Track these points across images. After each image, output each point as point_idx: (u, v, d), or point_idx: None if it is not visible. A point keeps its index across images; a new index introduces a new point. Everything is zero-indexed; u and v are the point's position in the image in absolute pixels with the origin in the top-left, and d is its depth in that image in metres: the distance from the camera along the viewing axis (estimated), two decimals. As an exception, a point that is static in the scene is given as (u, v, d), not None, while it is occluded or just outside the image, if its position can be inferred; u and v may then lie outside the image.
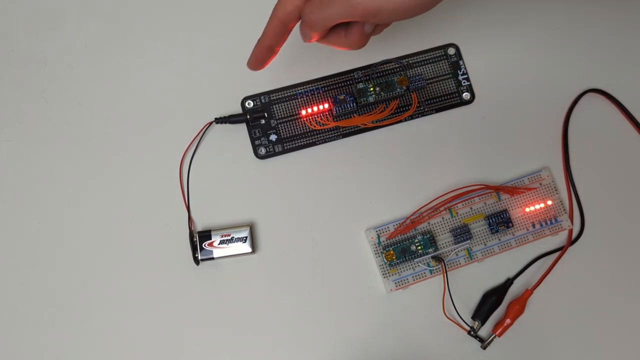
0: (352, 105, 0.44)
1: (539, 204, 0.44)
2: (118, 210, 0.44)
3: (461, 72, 0.47)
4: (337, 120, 0.45)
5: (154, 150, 0.44)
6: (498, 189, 0.44)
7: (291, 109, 0.45)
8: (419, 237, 0.43)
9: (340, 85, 0.46)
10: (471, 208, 0.44)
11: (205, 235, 0.43)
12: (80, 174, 0.44)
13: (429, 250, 0.43)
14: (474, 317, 0.43)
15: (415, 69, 0.46)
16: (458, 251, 0.44)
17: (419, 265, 0.43)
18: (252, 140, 0.45)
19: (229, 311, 0.43)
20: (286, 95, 0.45)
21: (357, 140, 0.45)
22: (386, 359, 0.43)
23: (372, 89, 0.45)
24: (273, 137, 0.45)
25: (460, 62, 0.47)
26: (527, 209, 0.44)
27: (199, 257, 0.42)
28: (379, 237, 0.43)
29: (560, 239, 0.45)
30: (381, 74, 0.46)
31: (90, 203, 0.44)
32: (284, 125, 0.45)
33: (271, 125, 0.45)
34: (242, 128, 0.45)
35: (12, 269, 0.43)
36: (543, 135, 0.46)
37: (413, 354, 0.43)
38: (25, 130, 0.44)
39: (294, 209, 0.44)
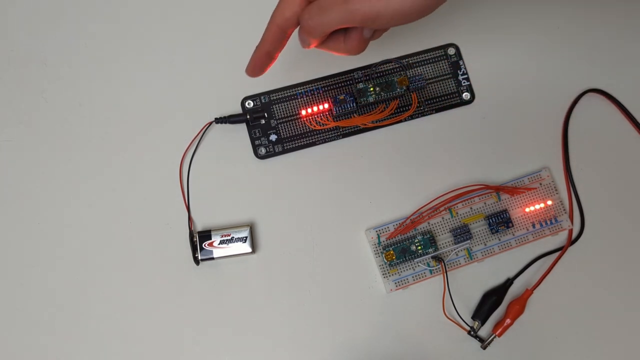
0: (352, 105, 0.44)
1: (539, 204, 0.44)
2: (118, 210, 0.44)
3: (461, 72, 0.47)
4: (337, 120, 0.45)
5: (154, 150, 0.44)
6: (498, 189, 0.44)
7: (291, 109, 0.45)
8: (419, 237, 0.43)
9: (340, 85, 0.46)
10: (471, 208, 0.44)
11: (205, 235, 0.43)
12: (80, 174, 0.44)
13: (429, 250, 0.43)
14: (474, 317, 0.43)
15: (415, 69, 0.46)
16: (458, 251, 0.44)
17: (419, 265, 0.43)
18: (252, 140, 0.45)
19: (229, 311, 0.43)
20: (286, 95, 0.45)
21: (357, 140, 0.45)
22: (386, 359, 0.43)
23: (372, 89, 0.45)
24: (273, 137, 0.45)
25: (460, 62, 0.47)
26: (527, 209, 0.44)
27: (199, 257, 0.42)
28: (379, 237, 0.43)
29: (560, 239, 0.45)
30: (381, 74, 0.46)
31: (90, 203, 0.44)
32: (284, 125, 0.45)
33: (271, 125, 0.45)
34: (242, 128, 0.45)
35: (12, 269, 0.43)
36: (543, 135, 0.46)
37: (413, 354, 0.43)
38: (25, 130, 0.44)
39: (294, 209, 0.44)
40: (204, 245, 0.42)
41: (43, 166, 0.44)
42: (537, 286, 0.43)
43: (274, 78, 0.45)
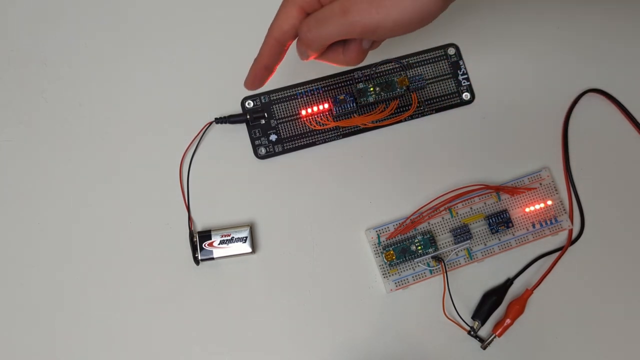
0: (352, 105, 0.44)
1: (539, 204, 0.44)
2: (118, 210, 0.44)
3: (461, 72, 0.47)
4: (337, 120, 0.45)
5: (154, 150, 0.44)
6: (498, 189, 0.44)
7: (291, 109, 0.45)
8: (419, 237, 0.43)
9: (340, 85, 0.46)
10: (471, 208, 0.44)
11: (205, 235, 0.43)
12: (80, 174, 0.44)
13: (429, 250, 0.43)
14: (474, 317, 0.43)
15: (415, 69, 0.46)
16: (458, 251, 0.44)
17: (419, 265, 0.43)
18: (252, 140, 0.45)
19: (229, 311, 0.43)
20: (286, 95, 0.45)
21: (357, 140, 0.45)
22: (386, 359, 0.43)
23: (372, 89, 0.45)
24: (273, 137, 0.45)
25: (460, 62, 0.47)
26: (527, 209, 0.44)
27: (199, 257, 0.42)
28: (379, 237, 0.43)
29: (560, 239, 0.45)
30: (381, 74, 0.46)
31: (90, 203, 0.44)
32: (284, 125, 0.45)
33: (271, 125, 0.45)
34: (242, 128, 0.45)
35: (12, 269, 0.43)
36: (543, 136, 0.46)
37: (413, 354, 0.43)
38: (25, 130, 0.44)
39: (294, 209, 0.44)
40: (204, 245, 0.42)
41: (43, 166, 0.44)
42: (537, 286, 0.43)
43: (274, 78, 0.45)
